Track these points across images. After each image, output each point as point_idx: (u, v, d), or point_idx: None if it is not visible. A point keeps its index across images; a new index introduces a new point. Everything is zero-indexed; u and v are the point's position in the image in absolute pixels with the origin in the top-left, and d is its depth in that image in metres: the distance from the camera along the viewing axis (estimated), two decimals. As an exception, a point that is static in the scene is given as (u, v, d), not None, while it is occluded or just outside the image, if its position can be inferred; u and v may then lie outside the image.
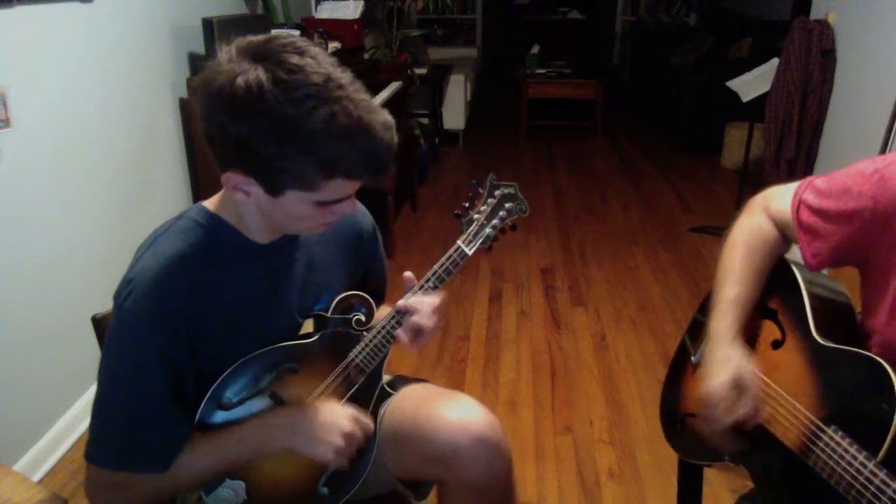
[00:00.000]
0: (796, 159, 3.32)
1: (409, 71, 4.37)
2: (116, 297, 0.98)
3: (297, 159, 0.87)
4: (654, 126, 6.14)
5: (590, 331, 2.81)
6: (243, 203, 0.97)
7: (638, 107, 6.99)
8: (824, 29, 3.10)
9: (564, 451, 2.11)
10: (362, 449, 1.12)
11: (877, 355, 0.94)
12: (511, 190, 1.14)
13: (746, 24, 5.77)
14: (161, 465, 0.99)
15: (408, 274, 1.13)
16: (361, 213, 1.24)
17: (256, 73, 0.84)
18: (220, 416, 1.04)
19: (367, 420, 1.09)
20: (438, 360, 2.60)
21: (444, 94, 5.43)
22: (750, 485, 1.15)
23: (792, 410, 1.02)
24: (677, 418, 1.31)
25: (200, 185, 2.81)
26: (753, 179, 3.54)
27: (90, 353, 1.01)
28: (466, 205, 1.13)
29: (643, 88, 6.85)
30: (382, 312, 1.17)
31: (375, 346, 1.11)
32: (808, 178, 1.10)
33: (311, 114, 0.84)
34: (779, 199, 1.13)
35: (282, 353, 1.08)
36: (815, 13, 3.28)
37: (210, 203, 1.05)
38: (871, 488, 0.87)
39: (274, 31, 0.91)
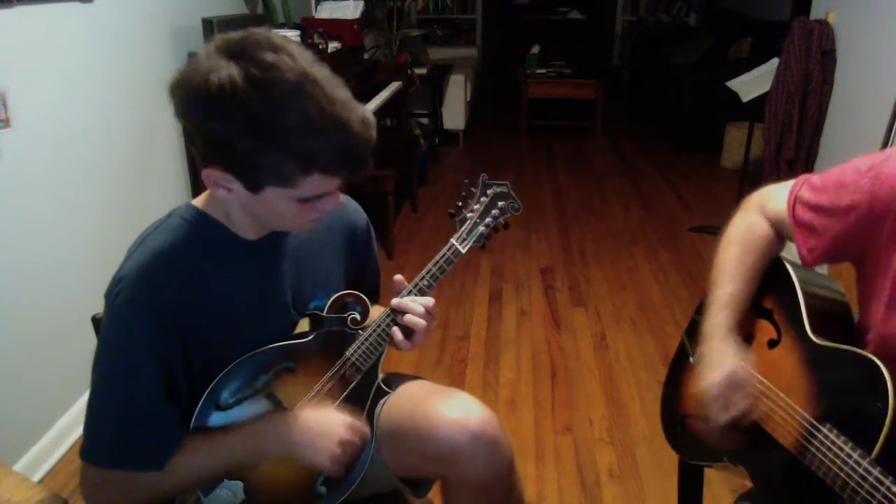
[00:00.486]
0: (796, 159, 3.32)
1: (409, 71, 4.37)
2: (107, 295, 0.98)
3: (272, 155, 0.87)
4: (654, 126, 6.14)
5: (590, 331, 2.81)
6: (227, 199, 0.97)
7: (638, 107, 6.99)
8: (824, 29, 3.10)
9: (564, 451, 2.11)
10: (360, 449, 1.12)
11: (873, 350, 0.94)
12: (503, 189, 1.15)
13: (746, 24, 5.77)
14: (155, 464, 1.00)
15: (398, 277, 1.13)
16: (354, 209, 1.25)
17: (230, 71, 0.85)
18: (217, 418, 1.04)
19: (364, 426, 1.10)
20: (438, 361, 2.60)
21: (444, 94, 5.43)
22: (749, 485, 1.15)
23: (788, 409, 1.02)
24: (677, 420, 1.31)
25: (200, 185, 2.80)
26: (753, 179, 3.54)
27: (90, 353, 1.01)
28: (459, 204, 1.14)
29: (643, 88, 6.85)
30: (376, 313, 1.17)
31: (371, 344, 1.12)
32: (804, 176, 1.10)
33: (285, 110, 0.85)
34: (774, 197, 1.13)
35: (277, 352, 1.08)
36: (815, 13, 3.28)
37: (198, 201, 1.06)
38: (866, 486, 0.87)
39: (252, 28, 0.90)
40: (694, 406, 1.24)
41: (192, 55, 2.80)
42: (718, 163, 5.08)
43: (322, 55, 3.15)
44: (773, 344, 1.11)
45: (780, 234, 1.14)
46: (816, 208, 1.04)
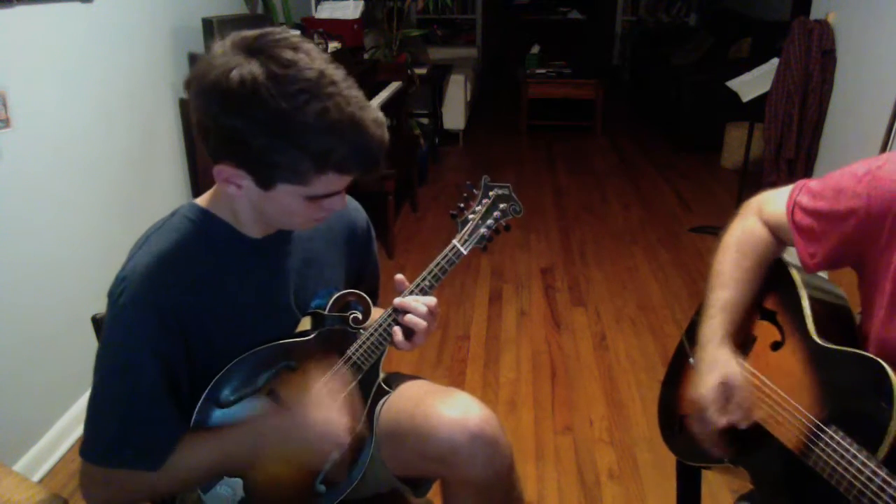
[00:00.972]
0: (796, 159, 3.32)
1: (409, 71, 4.37)
2: (110, 294, 0.98)
3: (288, 153, 0.88)
4: (654, 126, 6.14)
5: (590, 331, 2.81)
6: (235, 196, 0.97)
7: (638, 107, 6.99)
8: (824, 29, 3.10)
9: (564, 451, 2.11)
10: (360, 447, 1.12)
11: (874, 354, 0.94)
12: (505, 191, 1.15)
13: (746, 24, 5.77)
14: (155, 462, 0.99)
15: (399, 277, 1.13)
16: (355, 209, 1.25)
17: (250, 67, 0.85)
18: (218, 415, 1.04)
19: (357, 423, 1.09)
20: (438, 361, 2.60)
21: (444, 94, 5.43)
22: (749, 485, 1.15)
23: (792, 411, 1.02)
24: (675, 420, 1.31)
25: (200, 185, 2.81)
26: (753, 179, 3.54)
27: (90, 353, 1.01)
28: (461, 205, 1.15)
29: (643, 88, 6.85)
30: (376, 314, 1.17)
31: (372, 343, 1.12)
32: (802, 181, 1.10)
33: (304, 108, 0.85)
34: (772, 202, 1.14)
35: (279, 350, 1.08)
36: (815, 13, 3.28)
37: (202, 200, 1.06)
38: (872, 487, 0.87)
39: (268, 27, 0.91)
40: (691, 409, 1.24)
41: (192, 55, 2.80)
42: (718, 163, 5.08)
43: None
44: (776, 346, 1.11)
45: (778, 239, 1.14)
46: (815, 214, 1.05)
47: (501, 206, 1.15)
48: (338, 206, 0.99)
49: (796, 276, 1.13)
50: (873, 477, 0.87)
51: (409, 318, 1.09)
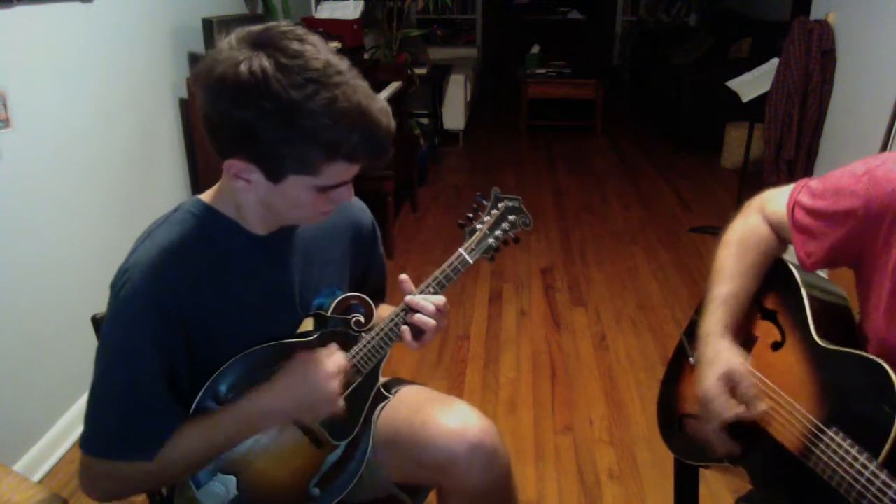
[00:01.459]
0: (796, 159, 3.32)
1: (409, 71, 4.37)
2: (112, 286, 0.99)
3: (298, 143, 0.88)
4: (654, 126, 6.14)
5: (590, 331, 2.81)
6: (243, 191, 0.97)
7: (638, 107, 6.99)
8: (824, 29, 3.10)
9: (564, 451, 2.11)
10: (356, 450, 1.12)
11: (875, 356, 0.94)
12: (515, 203, 1.15)
13: (746, 24, 5.77)
14: (153, 454, 1.00)
15: (403, 276, 1.13)
16: (359, 209, 1.25)
17: (259, 60, 0.86)
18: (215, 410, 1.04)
19: (339, 354, 1.08)
20: (438, 361, 2.60)
21: (444, 94, 5.43)
22: (749, 486, 1.15)
23: (792, 411, 1.02)
24: (675, 419, 1.31)
25: (200, 185, 2.81)
26: (753, 179, 3.54)
27: (90, 353, 1.01)
28: (470, 215, 1.14)
29: (643, 88, 6.85)
30: (383, 312, 1.17)
31: (373, 347, 1.11)
32: (804, 180, 1.11)
33: (313, 97, 0.86)
34: (774, 200, 1.14)
35: (279, 349, 1.08)
36: (815, 13, 3.28)
37: (206, 196, 1.06)
38: (873, 489, 0.87)
39: (271, 22, 0.93)
40: (692, 407, 1.24)
41: (192, 55, 2.80)
42: (718, 163, 5.08)
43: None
44: (777, 346, 1.11)
45: (780, 237, 1.14)
46: (815, 213, 1.05)
47: (510, 217, 1.14)
48: (345, 196, 1.00)
49: (798, 276, 1.13)
50: (874, 479, 0.87)
51: (418, 317, 1.09)
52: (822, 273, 1.21)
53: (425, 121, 5.29)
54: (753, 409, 1.06)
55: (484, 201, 1.15)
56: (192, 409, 1.03)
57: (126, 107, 2.36)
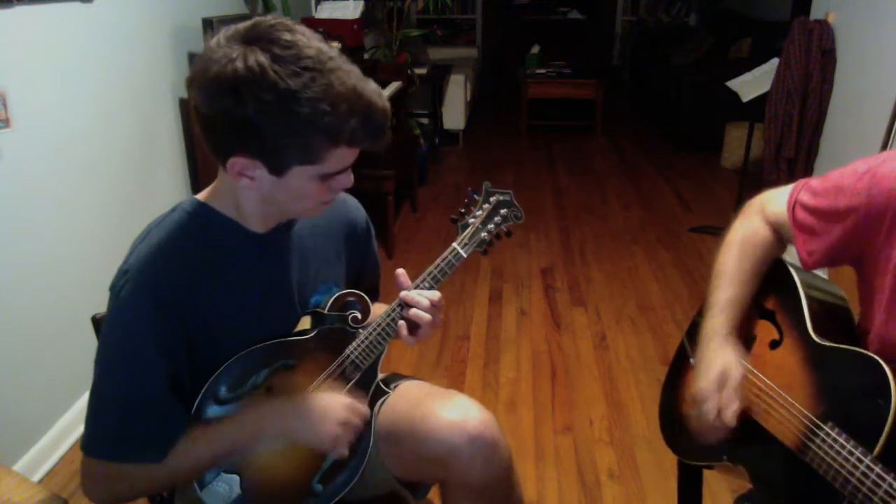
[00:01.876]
0: (796, 159, 3.32)
1: (409, 71, 4.37)
2: (112, 287, 0.99)
3: (301, 131, 0.89)
4: (654, 126, 6.14)
5: (590, 331, 2.81)
6: (247, 189, 0.97)
7: (638, 107, 6.99)
8: (824, 29, 3.10)
9: (564, 451, 2.11)
10: (357, 447, 1.12)
11: (874, 352, 0.95)
12: (506, 197, 1.16)
13: (746, 24, 5.77)
14: (155, 456, 1.00)
15: (400, 271, 1.13)
16: (355, 207, 1.26)
17: (255, 55, 0.87)
18: (215, 411, 1.05)
19: (363, 407, 1.10)
20: (438, 361, 2.60)
21: (444, 94, 5.43)
22: (748, 485, 1.15)
23: (789, 408, 1.03)
24: (676, 420, 1.31)
25: (200, 185, 2.80)
26: (753, 179, 3.54)
27: (90, 353, 1.01)
28: (462, 210, 1.16)
29: (643, 88, 6.85)
30: (378, 310, 1.17)
31: (371, 342, 1.12)
32: (804, 180, 1.11)
33: (311, 85, 0.87)
34: (774, 201, 1.15)
35: (278, 348, 1.08)
36: (815, 13, 3.28)
37: (203, 195, 1.06)
38: (868, 483, 0.88)
39: (257, 17, 0.94)
40: (691, 406, 1.24)
41: (192, 55, 2.80)
42: (718, 163, 5.08)
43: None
44: (775, 344, 1.12)
45: (780, 238, 1.15)
46: (816, 212, 1.05)
47: (502, 211, 1.15)
48: (346, 183, 1.01)
49: (796, 276, 1.14)
50: (868, 473, 0.88)
51: (414, 311, 1.09)
52: (822, 272, 1.21)
53: (425, 121, 5.29)
54: (724, 416, 1.06)
55: (476, 196, 1.16)
56: (193, 410, 1.03)
57: (126, 107, 2.36)
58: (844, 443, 0.92)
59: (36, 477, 1.96)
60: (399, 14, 4.78)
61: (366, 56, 4.44)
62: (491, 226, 1.15)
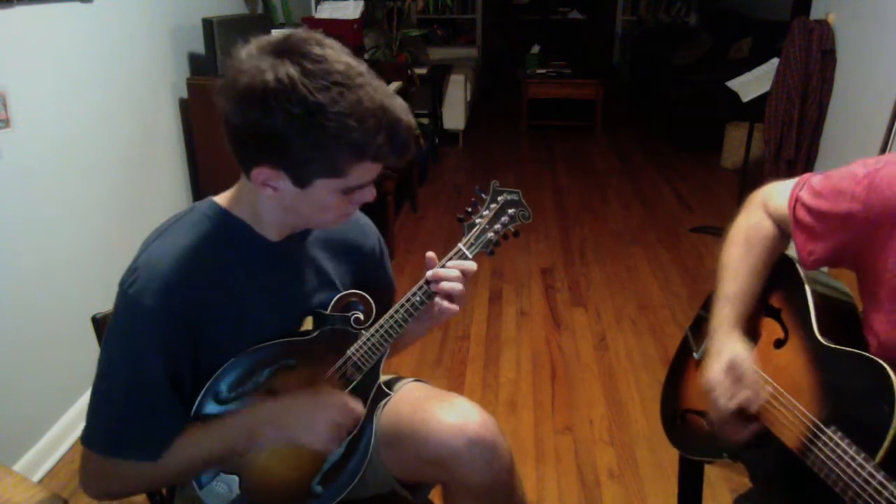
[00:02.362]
0: (796, 159, 3.32)
1: (409, 71, 4.37)
2: (121, 283, 0.99)
3: (327, 145, 0.90)
4: (654, 126, 6.14)
5: (590, 331, 2.81)
6: (270, 198, 0.98)
7: (638, 107, 6.99)
8: (824, 29, 3.10)
9: (564, 451, 2.11)
10: (358, 448, 1.12)
11: (875, 355, 0.94)
12: (514, 196, 1.15)
13: (746, 24, 5.77)
14: (153, 453, 1.00)
15: (430, 254, 1.13)
16: (369, 232, 1.26)
17: (284, 67, 0.88)
18: (215, 409, 1.05)
19: (357, 406, 1.09)
20: (438, 361, 2.60)
21: (444, 94, 5.42)
22: (749, 484, 1.15)
23: (792, 409, 1.02)
24: (678, 414, 1.31)
25: (200, 186, 2.81)
26: (753, 179, 3.53)
27: (90, 353, 1.01)
28: (469, 209, 1.14)
29: (643, 88, 6.85)
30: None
31: (373, 344, 1.12)
32: (806, 175, 1.11)
33: (339, 100, 0.88)
34: (777, 195, 1.14)
35: (280, 348, 1.08)
36: (815, 13, 3.28)
37: (221, 198, 1.07)
38: (869, 490, 0.87)
39: (289, 30, 0.95)
40: (696, 399, 1.24)
41: (192, 55, 2.80)
42: (718, 163, 5.08)
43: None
44: (779, 343, 1.11)
45: (784, 232, 1.15)
46: (815, 213, 1.05)
47: (510, 211, 1.14)
48: (368, 197, 1.02)
49: (802, 273, 1.13)
50: (870, 479, 0.87)
51: (444, 285, 1.09)
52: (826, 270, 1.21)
53: (425, 121, 5.28)
54: (757, 399, 1.06)
55: (483, 195, 1.15)
56: (193, 409, 1.03)
57: (126, 107, 2.36)
58: (847, 448, 0.91)
59: (36, 477, 1.96)
60: (399, 14, 4.78)
61: (366, 56, 4.44)
62: (498, 226, 1.13)
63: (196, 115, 2.69)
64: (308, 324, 1.13)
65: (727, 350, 1.10)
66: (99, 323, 1.15)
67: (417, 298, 1.10)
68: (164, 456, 1.00)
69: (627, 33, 8.10)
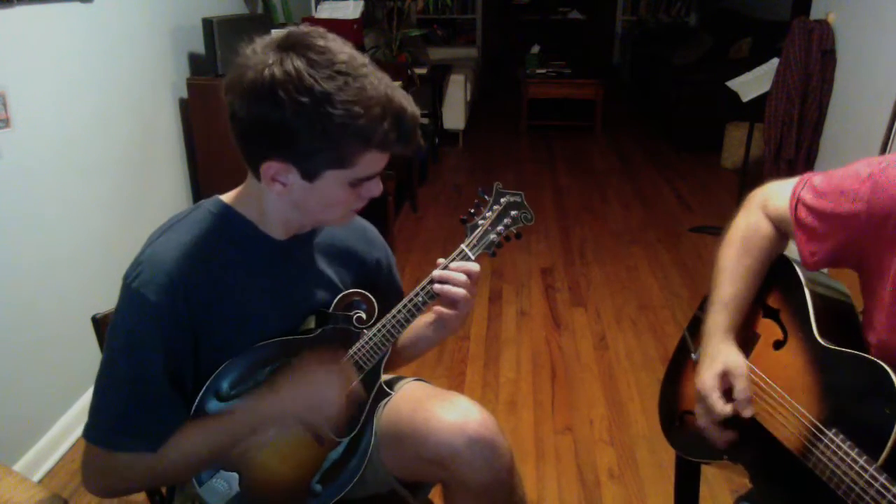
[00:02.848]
0: (796, 159, 3.32)
1: (409, 71, 4.37)
2: (125, 277, 0.99)
3: (335, 135, 0.91)
4: (654, 126, 6.14)
5: (590, 331, 2.81)
6: (279, 195, 0.99)
7: (638, 107, 6.99)
8: (824, 29, 3.10)
9: (564, 451, 2.11)
10: (358, 447, 1.12)
11: (876, 356, 0.94)
12: (517, 198, 1.15)
13: (746, 24, 5.77)
14: (151, 444, 1.00)
15: (441, 261, 1.13)
16: (377, 245, 1.26)
17: (290, 60, 0.89)
18: (216, 406, 1.05)
19: (346, 367, 1.10)
20: (438, 361, 2.60)
21: (444, 94, 5.42)
22: (749, 485, 1.15)
23: (792, 411, 1.02)
24: (676, 415, 1.31)
25: (200, 185, 2.81)
26: (753, 179, 3.53)
27: (90, 353, 1.01)
28: (472, 211, 1.14)
29: (643, 88, 6.85)
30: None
31: (375, 344, 1.12)
32: (807, 175, 1.10)
33: (344, 88, 0.89)
34: (776, 195, 1.13)
35: (281, 346, 1.08)
36: (815, 13, 3.28)
37: (227, 197, 1.07)
38: (871, 492, 0.87)
39: (290, 28, 0.96)
40: (692, 403, 1.24)
41: (192, 55, 2.80)
42: (718, 163, 5.08)
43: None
44: (778, 345, 1.11)
45: (782, 234, 1.14)
46: (817, 213, 1.04)
47: (512, 213, 1.14)
48: (375, 191, 1.02)
49: (801, 274, 1.12)
50: (872, 482, 0.87)
51: (446, 288, 1.09)
52: (826, 271, 1.20)
53: (425, 121, 5.28)
54: (743, 412, 1.07)
55: (486, 196, 1.15)
56: (194, 405, 1.03)
57: (126, 107, 2.36)
58: (848, 450, 0.91)
59: (36, 477, 1.96)
60: (399, 14, 4.78)
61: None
62: (500, 227, 1.13)
63: (196, 115, 2.69)
64: (310, 322, 1.13)
65: (721, 357, 1.10)
66: (99, 323, 1.15)
67: (420, 299, 1.10)
68: (163, 448, 1.00)
69: (627, 33, 8.10)
